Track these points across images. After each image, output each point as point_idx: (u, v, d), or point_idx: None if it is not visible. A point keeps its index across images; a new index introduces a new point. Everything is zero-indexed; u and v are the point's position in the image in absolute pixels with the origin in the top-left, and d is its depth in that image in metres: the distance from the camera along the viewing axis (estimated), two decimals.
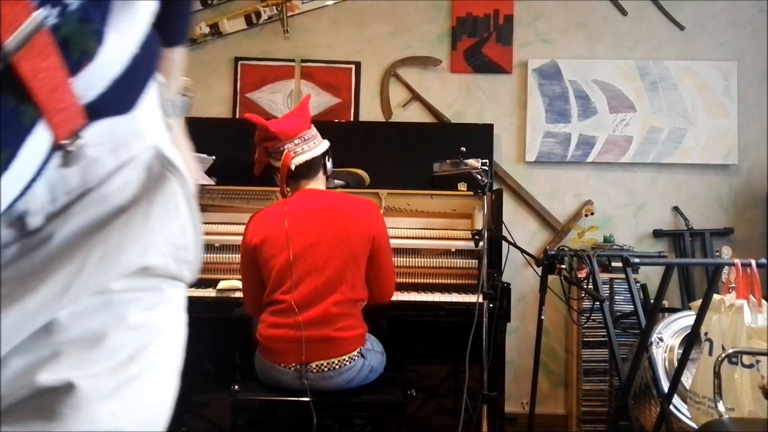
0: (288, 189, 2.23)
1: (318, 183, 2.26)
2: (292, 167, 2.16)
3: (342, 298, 2.08)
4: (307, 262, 2.08)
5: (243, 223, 2.27)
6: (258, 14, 3.43)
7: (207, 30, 3.40)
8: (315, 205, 2.16)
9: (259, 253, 2.14)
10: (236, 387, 2.19)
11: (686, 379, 2.52)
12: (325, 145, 2.26)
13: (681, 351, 2.49)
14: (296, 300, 2.05)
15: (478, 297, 2.42)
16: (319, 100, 3.46)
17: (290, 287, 2.07)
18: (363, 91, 3.48)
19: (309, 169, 2.21)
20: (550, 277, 2.76)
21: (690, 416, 2.46)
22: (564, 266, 2.68)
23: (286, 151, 2.16)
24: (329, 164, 2.29)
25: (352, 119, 3.44)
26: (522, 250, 2.87)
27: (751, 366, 2.16)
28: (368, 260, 2.16)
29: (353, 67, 3.48)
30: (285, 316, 2.07)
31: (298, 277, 2.07)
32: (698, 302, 2.26)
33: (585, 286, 2.57)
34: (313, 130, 2.26)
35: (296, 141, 2.19)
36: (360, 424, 2.41)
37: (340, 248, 2.10)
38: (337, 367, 2.08)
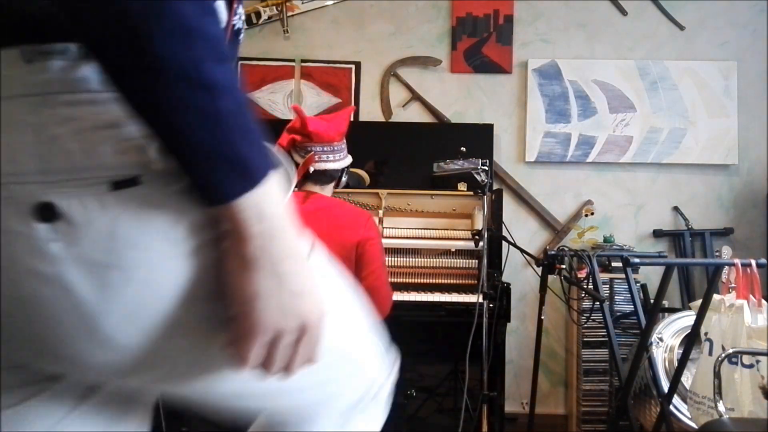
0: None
1: (325, 191, 2.25)
2: (311, 170, 2.15)
3: None
4: None
5: None
6: (258, 14, 3.43)
7: None
8: (307, 207, 2.15)
9: None
10: None
11: (686, 379, 2.52)
12: (348, 161, 2.25)
13: (681, 351, 2.49)
14: None
15: (478, 297, 2.42)
16: (319, 100, 3.46)
17: None
18: (363, 91, 3.48)
19: (323, 177, 2.20)
20: (550, 277, 2.76)
21: (690, 416, 2.46)
22: (564, 266, 2.68)
23: (312, 152, 2.15)
24: (344, 179, 2.28)
25: (352, 119, 3.44)
26: (522, 250, 2.87)
27: (751, 366, 2.16)
28: (356, 268, 2.14)
29: (353, 67, 3.48)
30: None
31: None
32: (698, 302, 2.26)
33: (585, 286, 2.57)
34: (343, 144, 2.24)
35: (326, 148, 2.17)
36: None
37: None
38: None
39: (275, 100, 3.46)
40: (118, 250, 0.59)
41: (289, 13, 3.46)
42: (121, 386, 0.70)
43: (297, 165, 2.18)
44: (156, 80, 0.54)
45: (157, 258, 0.61)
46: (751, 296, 2.22)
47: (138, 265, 0.60)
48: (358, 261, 2.12)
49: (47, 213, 0.57)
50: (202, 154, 0.58)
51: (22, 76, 0.59)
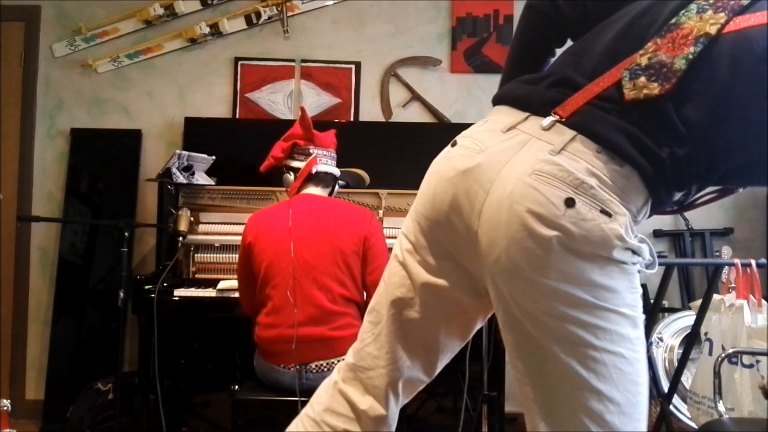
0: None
1: (323, 194, 2.30)
2: (314, 171, 2.23)
3: (332, 296, 2.08)
4: (297, 260, 2.09)
5: (243, 223, 2.28)
6: (258, 14, 3.43)
7: (207, 30, 3.40)
8: (311, 206, 2.19)
9: (253, 249, 2.15)
10: (236, 387, 2.19)
11: (686, 379, 2.52)
12: (338, 172, 2.37)
13: (681, 351, 2.49)
14: (289, 297, 2.06)
15: None
16: (319, 100, 3.46)
17: (280, 284, 2.08)
18: (363, 91, 3.48)
19: (323, 179, 2.29)
20: None
21: (690, 416, 2.46)
22: None
23: (314, 155, 2.26)
24: (337, 188, 2.39)
25: (352, 119, 3.44)
26: None
27: (751, 366, 2.16)
28: (362, 263, 2.16)
29: (353, 67, 3.48)
30: (279, 317, 2.07)
31: (289, 275, 2.08)
32: (698, 302, 2.26)
33: None
34: (335, 154, 2.38)
35: (325, 152, 2.30)
36: None
37: (329, 246, 2.11)
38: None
39: (275, 100, 3.46)
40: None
41: (289, 13, 3.46)
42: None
43: (296, 170, 2.24)
44: None
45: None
46: (751, 296, 2.22)
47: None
48: (364, 256, 2.15)
49: (571, 203, 0.97)
50: None
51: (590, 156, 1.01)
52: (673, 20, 1.06)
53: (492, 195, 1.03)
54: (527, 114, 1.09)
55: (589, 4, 1.24)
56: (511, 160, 1.03)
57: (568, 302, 0.98)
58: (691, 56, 1.01)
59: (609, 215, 0.97)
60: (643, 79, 1.03)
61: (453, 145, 1.18)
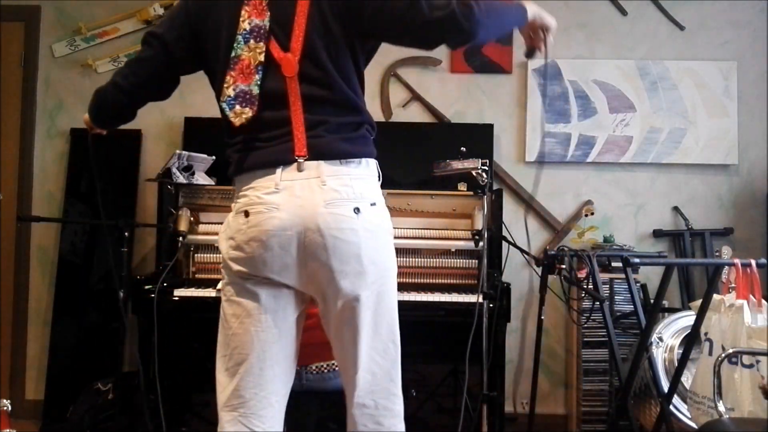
0: None
1: None
2: None
3: None
4: None
5: None
6: None
7: None
8: None
9: None
10: None
11: (686, 379, 2.52)
12: None
13: (681, 351, 2.49)
14: None
15: (478, 297, 2.42)
16: None
17: None
18: None
19: None
20: (550, 277, 2.76)
21: (690, 416, 2.46)
22: (564, 266, 2.68)
23: None
24: None
25: None
26: (522, 250, 2.88)
27: (751, 366, 2.16)
28: None
29: None
30: None
31: None
32: (698, 302, 2.26)
33: (585, 286, 2.57)
34: None
35: None
36: None
37: None
38: (336, 368, 2.08)
39: None
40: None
41: None
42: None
43: None
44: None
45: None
46: (751, 296, 2.22)
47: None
48: None
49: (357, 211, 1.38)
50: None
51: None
52: (233, 54, 1.33)
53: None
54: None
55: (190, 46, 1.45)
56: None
57: None
58: (258, 83, 1.31)
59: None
60: (237, 107, 1.35)
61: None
